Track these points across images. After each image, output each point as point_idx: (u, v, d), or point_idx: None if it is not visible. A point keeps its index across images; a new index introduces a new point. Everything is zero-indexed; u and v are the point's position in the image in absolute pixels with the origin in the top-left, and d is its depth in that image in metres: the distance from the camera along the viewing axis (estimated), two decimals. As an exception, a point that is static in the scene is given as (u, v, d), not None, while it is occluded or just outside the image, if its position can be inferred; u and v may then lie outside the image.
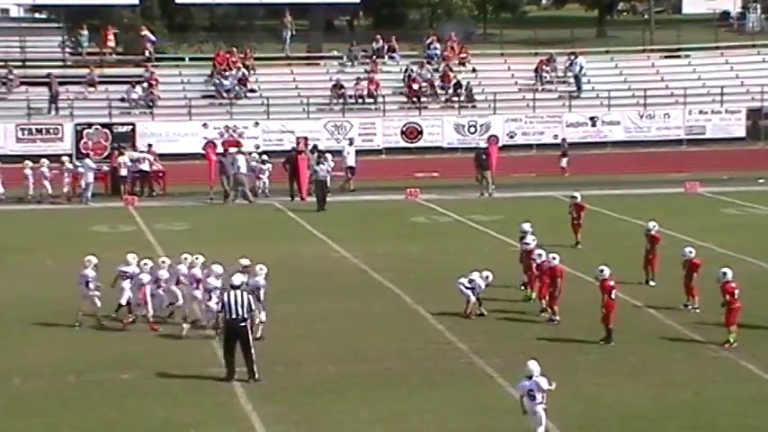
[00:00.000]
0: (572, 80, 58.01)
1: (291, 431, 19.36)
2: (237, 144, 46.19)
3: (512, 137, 54.41)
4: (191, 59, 60.37)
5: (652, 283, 28.66)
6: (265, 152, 45.24)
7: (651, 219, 30.16)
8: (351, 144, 46.26)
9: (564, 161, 48.80)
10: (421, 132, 54.44)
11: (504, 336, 24.57)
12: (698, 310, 25.99)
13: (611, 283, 24.01)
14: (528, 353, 22.71)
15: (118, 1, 61.89)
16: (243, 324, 21.72)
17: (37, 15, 73.43)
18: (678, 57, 62.75)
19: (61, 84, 53.42)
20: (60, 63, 57.19)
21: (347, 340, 24.25)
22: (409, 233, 36.54)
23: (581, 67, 57.90)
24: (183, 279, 25.14)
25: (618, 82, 58.98)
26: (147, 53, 57.22)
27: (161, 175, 44.50)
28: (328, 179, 41.37)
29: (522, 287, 27.73)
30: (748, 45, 65.83)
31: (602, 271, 24.15)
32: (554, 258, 25.85)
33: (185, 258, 25.61)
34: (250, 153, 43.86)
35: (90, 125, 50.91)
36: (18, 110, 52.55)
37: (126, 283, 25.25)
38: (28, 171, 42.17)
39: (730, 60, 61.75)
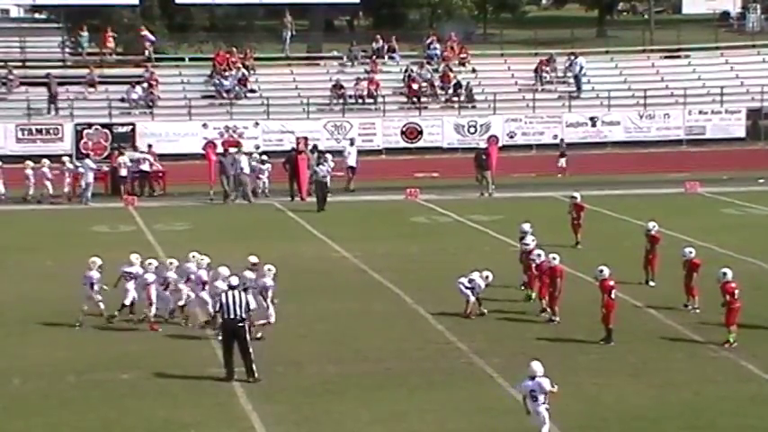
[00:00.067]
0: (572, 80, 58.02)
1: (291, 431, 19.36)
2: (237, 144, 46.19)
3: (512, 137, 54.42)
4: (191, 59, 60.40)
5: (652, 284, 28.66)
6: (265, 152, 45.24)
7: (651, 219, 30.16)
8: (352, 144, 46.26)
9: (562, 161, 48.77)
10: (421, 132, 54.45)
11: (504, 336, 24.57)
12: (698, 311, 25.99)
13: (611, 282, 24.01)
14: (528, 353, 22.73)
15: (118, 1, 61.93)
16: (241, 324, 21.73)
17: (37, 15, 73.51)
18: (678, 57, 62.76)
19: (61, 84, 53.46)
20: (60, 63, 57.23)
21: (347, 340, 24.25)
22: (409, 233, 36.54)
23: (581, 68, 57.91)
24: (191, 277, 25.18)
25: (618, 82, 59.00)
26: (146, 53, 57.23)
27: (161, 175, 44.51)
28: (328, 179, 41.36)
29: (522, 287, 27.73)
30: (748, 45, 65.85)
31: (601, 271, 24.15)
32: (554, 258, 25.85)
33: (193, 257, 25.65)
34: (251, 153, 43.84)
35: (90, 125, 50.97)
36: (18, 110, 52.57)
37: (130, 284, 25.29)
38: (29, 171, 42.17)
39: (730, 60, 61.77)
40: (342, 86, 55.37)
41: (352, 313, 26.30)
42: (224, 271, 24.24)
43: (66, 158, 44.03)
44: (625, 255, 30.30)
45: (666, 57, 62.93)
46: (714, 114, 56.57)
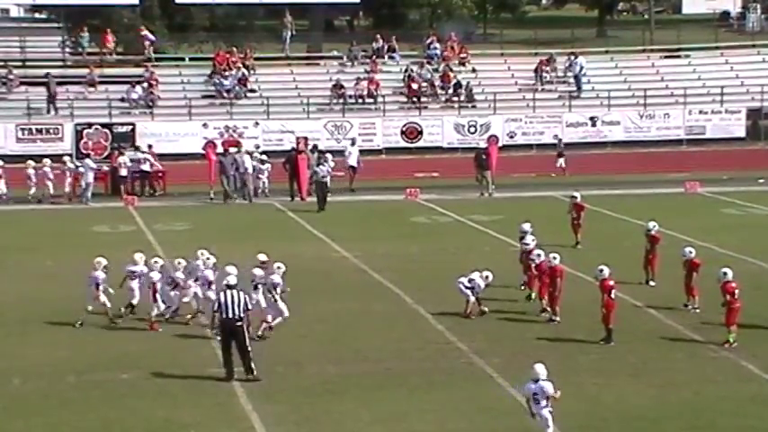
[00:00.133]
0: (572, 80, 58.03)
1: (291, 431, 19.36)
2: (237, 144, 46.19)
3: (512, 137, 54.43)
4: (191, 59, 60.39)
5: (652, 284, 28.66)
6: (265, 152, 45.22)
7: (651, 219, 30.15)
8: (353, 144, 46.24)
9: (561, 161, 48.73)
10: (421, 132, 54.46)
11: (504, 336, 24.57)
12: (698, 310, 25.98)
13: (611, 282, 24.01)
14: (528, 353, 22.78)
15: (118, 1, 61.94)
16: (239, 323, 21.75)
17: (37, 15, 73.52)
18: (678, 57, 62.77)
19: (61, 84, 53.47)
20: (60, 63, 57.22)
21: (347, 340, 24.25)
22: (409, 233, 36.54)
23: (581, 67, 57.92)
24: (198, 275, 25.21)
25: (618, 82, 59.00)
26: (146, 53, 57.23)
27: (160, 175, 44.50)
28: (328, 179, 41.34)
29: (522, 287, 27.74)
30: (748, 45, 65.85)
31: (601, 271, 24.15)
32: (554, 258, 25.85)
33: (202, 254, 25.67)
34: (252, 153, 43.80)
35: (90, 125, 50.99)
36: (18, 110, 52.58)
37: (135, 283, 25.34)
38: (31, 171, 42.17)
39: (730, 60, 61.77)
40: (342, 86, 55.38)
41: (353, 313, 26.31)
42: (231, 270, 24.29)
43: (66, 158, 44.02)
44: (625, 255, 30.29)
45: (666, 57, 62.94)
46: (714, 114, 56.58)
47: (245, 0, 65.58)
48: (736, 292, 23.71)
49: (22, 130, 51.22)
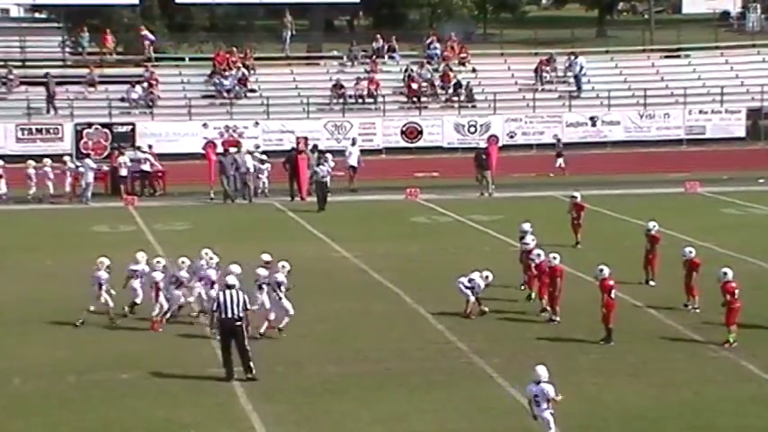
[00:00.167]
0: (572, 80, 58.03)
1: (291, 431, 19.36)
2: (237, 144, 46.18)
3: (512, 137, 54.44)
4: (191, 59, 60.39)
5: (652, 283, 28.66)
6: (265, 152, 45.20)
7: (651, 219, 30.15)
8: (353, 144, 46.22)
9: (560, 161, 48.69)
10: (421, 132, 54.47)
11: (504, 336, 24.57)
12: (698, 310, 25.98)
13: (611, 282, 24.00)
14: (528, 353, 22.79)
15: (118, 1, 61.95)
16: (238, 323, 21.77)
17: (37, 15, 73.52)
18: (678, 57, 62.76)
19: (61, 84, 53.48)
20: (60, 63, 57.23)
21: (347, 340, 24.25)
22: (409, 233, 36.53)
23: (581, 67, 57.92)
24: (201, 274, 25.23)
25: (618, 82, 59.01)
26: (146, 53, 57.24)
27: (160, 175, 44.49)
28: (328, 179, 41.33)
29: (522, 287, 27.74)
30: (748, 45, 65.84)
31: (601, 270, 24.15)
32: (554, 258, 25.84)
33: (206, 254, 25.68)
34: (252, 153, 43.78)
35: (90, 125, 51.01)
36: (18, 110, 52.58)
37: (136, 283, 25.38)
38: (31, 171, 42.16)
39: (730, 60, 61.78)
40: (342, 86, 55.39)
41: (353, 313, 26.31)
42: (235, 269, 24.31)
43: (67, 158, 44.02)
44: (625, 255, 30.29)
45: (666, 56, 62.94)
46: (714, 114, 56.59)
47: (245, 0, 65.57)
48: (737, 291, 23.71)
49: (22, 129, 51.22)
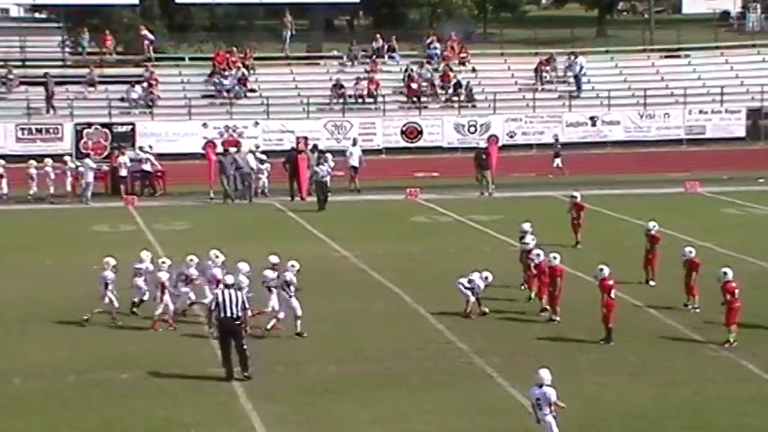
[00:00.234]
0: (572, 80, 58.03)
1: (291, 431, 19.36)
2: (237, 144, 46.17)
3: (512, 136, 54.44)
4: (190, 59, 60.37)
5: (652, 283, 28.65)
6: (265, 152, 45.18)
7: (651, 218, 30.15)
8: (354, 144, 46.18)
9: (557, 161, 48.63)
10: (421, 132, 54.47)
11: (504, 335, 24.57)
12: (698, 310, 25.98)
13: (611, 282, 24.00)
14: (528, 353, 22.82)
15: (118, 0, 61.95)
16: (237, 322, 21.80)
17: (37, 15, 73.51)
18: (678, 56, 62.76)
19: (61, 83, 53.49)
20: (60, 63, 57.23)
21: (347, 340, 24.25)
22: (409, 233, 36.53)
23: (581, 67, 57.92)
24: (207, 272, 25.27)
25: (618, 82, 59.01)
26: (146, 53, 57.25)
27: (159, 174, 44.47)
28: (328, 179, 41.31)
29: (522, 287, 27.74)
30: (748, 45, 65.83)
31: (601, 270, 24.15)
32: (554, 258, 25.84)
33: (216, 256, 25.69)
34: (254, 153, 43.76)
35: (90, 125, 51.01)
36: (18, 109, 52.57)
37: (140, 281, 25.43)
38: (33, 171, 42.15)
39: (730, 60, 61.78)
40: (342, 86, 55.38)
41: (353, 313, 26.31)
42: (243, 267, 24.33)
43: (67, 158, 44.02)
44: (625, 254, 30.29)
45: (666, 56, 62.94)
46: (714, 114, 56.60)
47: (244, 0, 65.56)
48: (736, 291, 23.71)
49: (22, 129, 51.22)
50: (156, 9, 65.45)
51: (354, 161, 44.90)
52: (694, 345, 23.91)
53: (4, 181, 42.42)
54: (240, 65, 56.33)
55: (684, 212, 38.74)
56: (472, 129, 54.30)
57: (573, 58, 58.61)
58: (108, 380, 21.68)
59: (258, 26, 72.71)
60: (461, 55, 60.04)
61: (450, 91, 56.72)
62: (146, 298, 25.55)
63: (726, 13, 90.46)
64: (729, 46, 65.46)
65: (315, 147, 45.00)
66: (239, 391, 21.08)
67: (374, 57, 58.73)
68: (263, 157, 43.97)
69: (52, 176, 42.12)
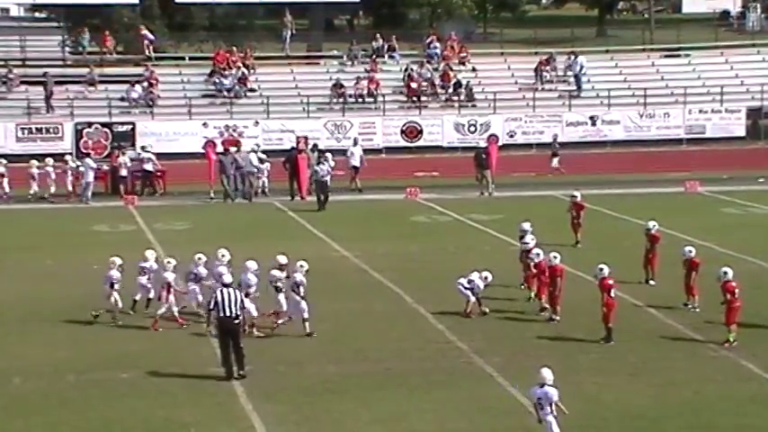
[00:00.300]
0: (572, 79, 58.02)
1: (292, 431, 19.36)
2: (237, 143, 46.15)
3: (512, 136, 54.43)
4: (191, 59, 60.34)
5: (652, 283, 28.66)
6: (265, 151, 45.17)
7: (651, 218, 30.16)
8: (355, 144, 46.15)
9: (555, 161, 48.61)
10: (421, 132, 54.46)
11: (504, 335, 24.57)
12: (698, 310, 25.98)
13: (610, 281, 24.00)
14: (528, 352, 22.83)
15: (118, 0, 61.95)
16: (236, 322, 21.84)
17: (37, 15, 73.54)
18: (678, 56, 62.74)
19: (61, 83, 53.48)
20: (60, 62, 57.23)
21: (347, 340, 24.25)
22: (409, 232, 36.53)
23: (581, 67, 57.91)
24: (213, 271, 25.33)
25: (618, 81, 59.00)
26: (146, 52, 57.25)
27: (159, 174, 44.47)
28: (328, 179, 41.30)
29: (522, 287, 27.73)
30: (748, 44, 65.81)
31: (601, 269, 24.15)
32: (555, 257, 25.84)
33: (223, 256, 25.69)
34: (256, 152, 43.75)
35: (90, 124, 51.01)
36: (18, 109, 52.57)
37: (144, 279, 25.46)
38: (34, 170, 42.14)
39: (730, 60, 61.76)
40: (342, 85, 55.38)
41: (353, 313, 26.30)
42: (252, 265, 24.34)
43: (68, 157, 44.02)
44: (625, 254, 30.29)
45: (666, 56, 62.89)
46: (714, 113, 56.58)
47: (244, 0, 65.59)
48: (737, 291, 23.71)
49: (22, 129, 51.21)
50: (156, 9, 65.45)
51: (356, 161, 44.87)
52: (694, 344, 23.91)
53: (6, 180, 42.43)
54: (240, 64, 56.33)
55: (684, 212, 38.74)
56: (472, 128, 54.30)
57: (573, 57, 58.60)
58: (108, 379, 21.68)
59: (258, 26, 72.72)
60: (461, 55, 60.02)
61: (450, 90, 56.70)
62: (151, 296, 25.57)
63: (726, 13, 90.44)
64: (729, 45, 65.45)
65: (315, 146, 45.02)
66: (239, 390, 21.08)
67: (374, 56, 58.72)
68: (263, 156, 43.97)
69: (53, 176, 42.13)
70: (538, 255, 26.59)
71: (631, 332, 24.33)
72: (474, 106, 56.07)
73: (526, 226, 29.12)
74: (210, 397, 20.77)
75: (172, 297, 24.99)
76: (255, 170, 42.64)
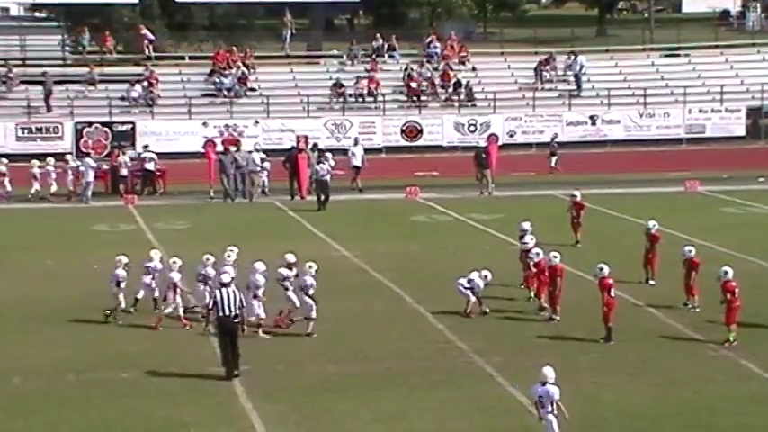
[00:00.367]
0: (572, 79, 58.03)
1: (291, 430, 19.36)
2: (237, 143, 46.15)
3: (512, 136, 54.43)
4: (191, 58, 60.35)
5: (652, 282, 28.66)
6: (265, 151, 45.15)
7: (651, 218, 30.16)
8: (356, 144, 46.11)
9: (553, 160, 48.59)
10: (421, 131, 54.47)
11: (503, 335, 24.57)
12: (698, 309, 25.99)
13: (610, 281, 24.01)
14: (528, 352, 22.83)
15: (118, 0, 61.95)
16: (236, 321, 21.86)
17: (37, 14, 73.55)
18: (678, 56, 62.76)
19: (61, 82, 53.49)
20: (60, 62, 57.24)
21: (347, 339, 24.25)
22: (409, 232, 36.53)
23: (581, 66, 57.92)
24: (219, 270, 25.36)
25: (618, 81, 59.01)
26: (146, 52, 57.25)
27: (159, 174, 44.46)
28: (329, 178, 41.28)
29: (522, 286, 27.73)
30: (748, 44, 65.83)
31: (600, 269, 24.15)
32: (555, 257, 25.84)
33: (228, 256, 25.69)
34: (258, 151, 43.75)
35: (90, 124, 51.01)
36: (18, 108, 52.56)
37: (148, 279, 25.53)
38: (36, 170, 42.14)
39: (730, 59, 61.78)
40: (342, 85, 55.38)
41: (353, 312, 26.30)
42: (260, 266, 24.36)
43: (69, 157, 44.02)
44: (625, 254, 30.28)
45: (666, 55, 62.92)
46: (714, 113, 56.59)
47: (244, -1, 65.76)
48: (736, 290, 23.71)
49: (22, 129, 51.21)
50: (156, 8, 65.47)
51: (357, 161, 44.81)
52: (694, 344, 23.92)
53: (7, 180, 42.43)
54: (240, 64, 56.33)
55: (684, 211, 38.74)
56: (472, 128, 54.30)
57: (573, 57, 58.60)
58: (108, 379, 21.68)
59: (258, 25, 72.78)
60: (461, 54, 60.04)
61: (450, 90, 56.71)
62: (156, 295, 25.58)
63: (726, 13, 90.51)
64: (729, 45, 65.48)
65: (315, 146, 45.01)
66: (239, 390, 21.09)
67: (374, 56, 58.73)
68: (263, 155, 43.96)
69: (53, 176, 42.13)
70: (537, 254, 26.59)
71: (631, 332, 24.33)
72: (474, 106, 56.07)
73: (526, 225, 29.12)
74: (210, 396, 20.77)
75: (179, 298, 24.99)
76: (258, 168, 42.63)
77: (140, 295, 25.79)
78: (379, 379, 21.75)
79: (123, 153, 44.23)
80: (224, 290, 22.11)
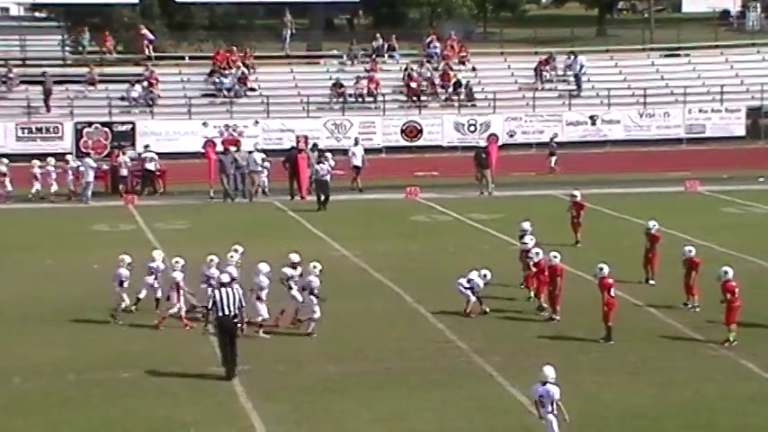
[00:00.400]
0: (572, 79, 58.03)
1: (291, 430, 19.36)
2: (237, 143, 46.15)
3: (512, 136, 54.44)
4: (191, 58, 60.36)
5: (652, 282, 28.66)
6: (265, 151, 45.15)
7: (651, 217, 30.16)
8: (356, 144, 46.09)
9: (552, 160, 48.59)
10: (421, 131, 54.47)
11: (503, 334, 24.58)
12: (698, 309, 25.99)
13: (610, 280, 24.01)
14: (528, 352, 22.84)
15: (118, 0, 61.97)
16: (235, 321, 21.87)
17: (37, 14, 73.57)
18: (678, 56, 62.78)
19: (61, 82, 53.50)
20: (60, 62, 57.26)
21: (347, 339, 24.26)
22: (409, 232, 36.53)
23: (581, 66, 57.93)
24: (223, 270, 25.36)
25: (618, 81, 59.02)
26: (146, 52, 57.27)
27: (159, 174, 44.46)
28: (328, 178, 41.27)
29: (522, 286, 27.73)
30: (748, 44, 65.84)
31: (600, 269, 24.16)
32: (555, 257, 25.84)
33: (231, 257, 25.68)
34: (259, 151, 43.75)
35: (90, 124, 51.02)
36: (18, 108, 52.56)
37: (150, 279, 25.54)
38: (36, 170, 42.14)
39: (730, 59, 61.78)
40: (342, 85, 55.38)
41: (353, 312, 26.29)
42: (264, 267, 24.36)
43: (69, 156, 44.03)
44: (625, 253, 30.28)
45: (666, 55, 62.94)
46: (714, 113, 56.60)
47: (244, -1, 65.78)
48: (736, 290, 23.71)
49: (22, 129, 51.21)
50: (156, 8, 65.48)
51: (357, 161, 44.79)
52: (694, 344, 23.92)
53: (8, 180, 42.43)
54: (240, 64, 56.34)
55: (684, 211, 38.74)
56: (472, 128, 54.31)
57: (573, 57, 58.62)
58: (108, 379, 21.68)
59: (258, 25, 72.80)
60: (461, 54, 60.05)
61: (450, 90, 56.71)
62: (158, 295, 25.58)
63: (726, 12, 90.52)
64: (729, 45, 65.49)
65: (315, 145, 45.01)
66: (239, 390, 21.09)
67: (374, 56, 58.74)
68: (263, 155, 43.96)
69: (54, 176, 42.13)
70: (537, 254, 26.59)
71: (631, 331, 24.33)
72: (474, 106, 56.08)
73: (526, 225, 29.12)
74: (210, 396, 20.78)
75: (182, 298, 24.99)
76: (260, 168, 42.62)
77: (142, 295, 25.80)
78: (379, 379, 21.75)
79: (123, 153, 44.23)
80: (223, 290, 22.12)
